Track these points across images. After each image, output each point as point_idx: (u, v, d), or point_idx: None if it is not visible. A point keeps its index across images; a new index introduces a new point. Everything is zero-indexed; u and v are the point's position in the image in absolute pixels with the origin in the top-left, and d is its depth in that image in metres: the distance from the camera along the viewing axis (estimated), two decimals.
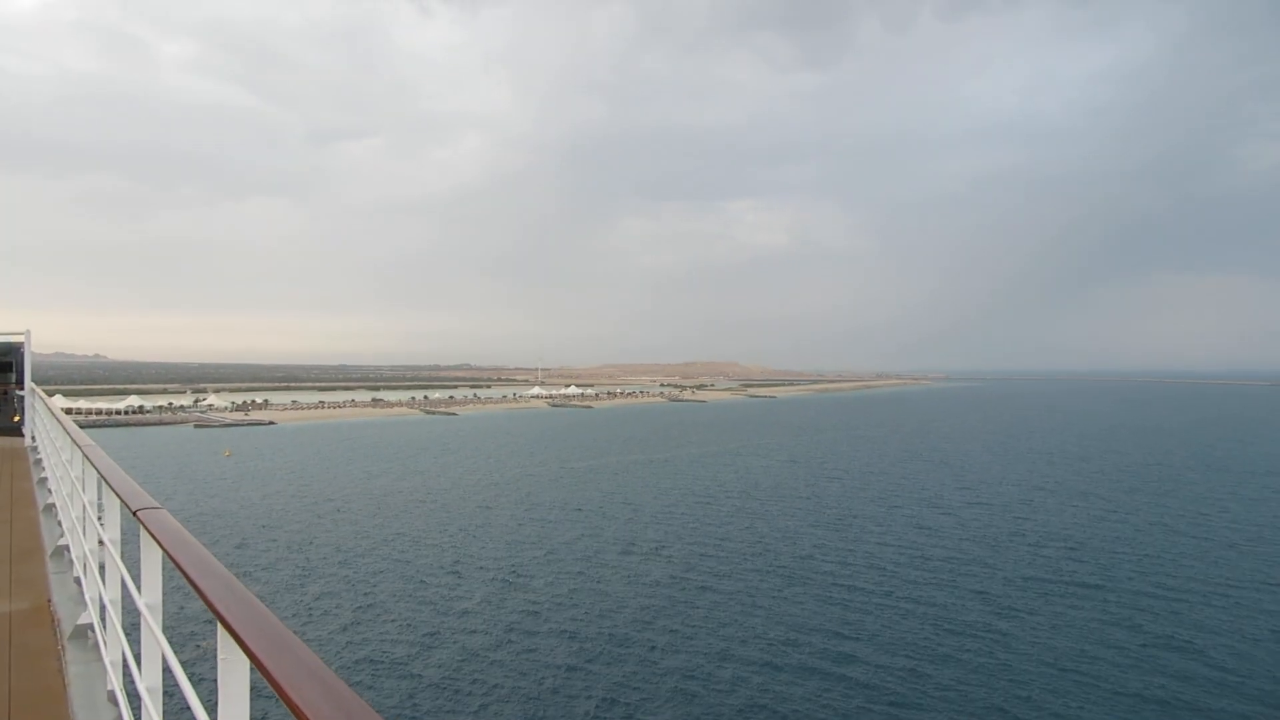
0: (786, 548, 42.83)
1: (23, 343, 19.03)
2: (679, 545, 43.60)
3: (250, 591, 2.57)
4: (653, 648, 28.09)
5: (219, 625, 2.37)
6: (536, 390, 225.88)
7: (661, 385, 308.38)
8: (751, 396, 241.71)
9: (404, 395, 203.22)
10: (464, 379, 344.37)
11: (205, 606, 2.60)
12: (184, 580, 2.81)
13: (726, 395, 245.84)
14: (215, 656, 2.47)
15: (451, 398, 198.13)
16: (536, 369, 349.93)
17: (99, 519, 5.75)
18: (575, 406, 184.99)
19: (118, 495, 4.71)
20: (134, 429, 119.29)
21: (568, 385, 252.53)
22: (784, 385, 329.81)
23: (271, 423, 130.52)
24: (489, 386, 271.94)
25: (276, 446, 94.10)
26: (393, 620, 30.93)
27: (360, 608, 32.46)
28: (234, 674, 2.37)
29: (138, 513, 3.74)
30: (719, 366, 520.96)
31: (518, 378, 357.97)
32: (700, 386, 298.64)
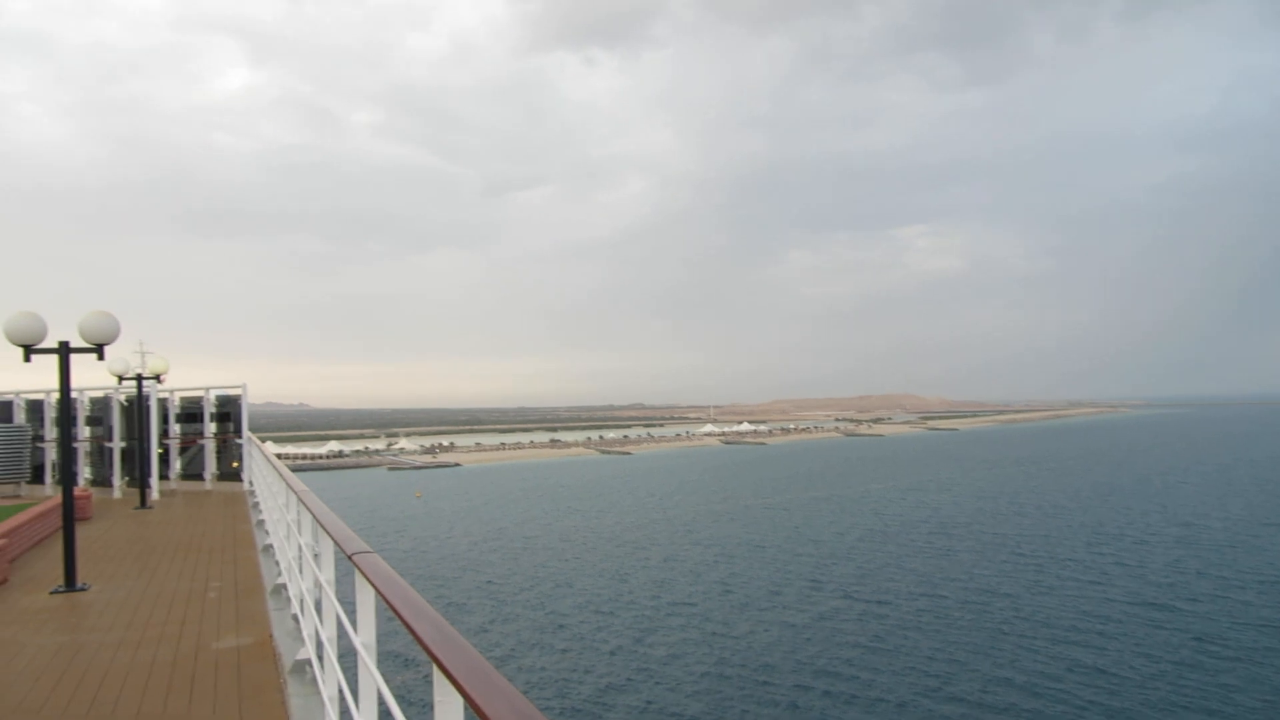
0: (980, 589, 40.74)
1: (240, 395, 20.71)
2: (864, 583, 42.30)
3: (458, 633, 2.65)
4: (841, 688, 27.26)
5: (434, 665, 2.45)
6: (709, 428, 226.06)
7: (836, 420, 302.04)
8: (932, 429, 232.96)
9: (580, 435, 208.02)
10: (637, 418, 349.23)
11: (419, 647, 2.71)
12: (395, 620, 2.94)
13: (905, 429, 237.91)
14: (419, 693, 2.55)
15: (626, 437, 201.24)
16: (709, 407, 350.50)
17: (315, 560, 6.12)
18: (748, 443, 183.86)
19: (333, 539, 5.01)
20: (334, 472, 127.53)
21: (740, 422, 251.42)
22: (966, 417, 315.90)
23: (457, 464, 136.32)
24: (662, 425, 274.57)
25: (462, 487, 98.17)
26: (582, 659, 31.42)
27: (548, 647, 33.17)
28: (448, 712, 2.44)
29: (352, 556, 3.95)
30: (895, 399, 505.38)
31: (690, 415, 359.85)
32: (877, 420, 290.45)
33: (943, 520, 63.18)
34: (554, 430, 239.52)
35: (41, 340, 9.95)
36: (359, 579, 3.84)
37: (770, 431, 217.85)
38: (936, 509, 69.65)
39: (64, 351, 10.08)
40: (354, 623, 4.12)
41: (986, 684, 27.60)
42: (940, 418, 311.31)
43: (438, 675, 2.41)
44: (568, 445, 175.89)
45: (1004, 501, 73.59)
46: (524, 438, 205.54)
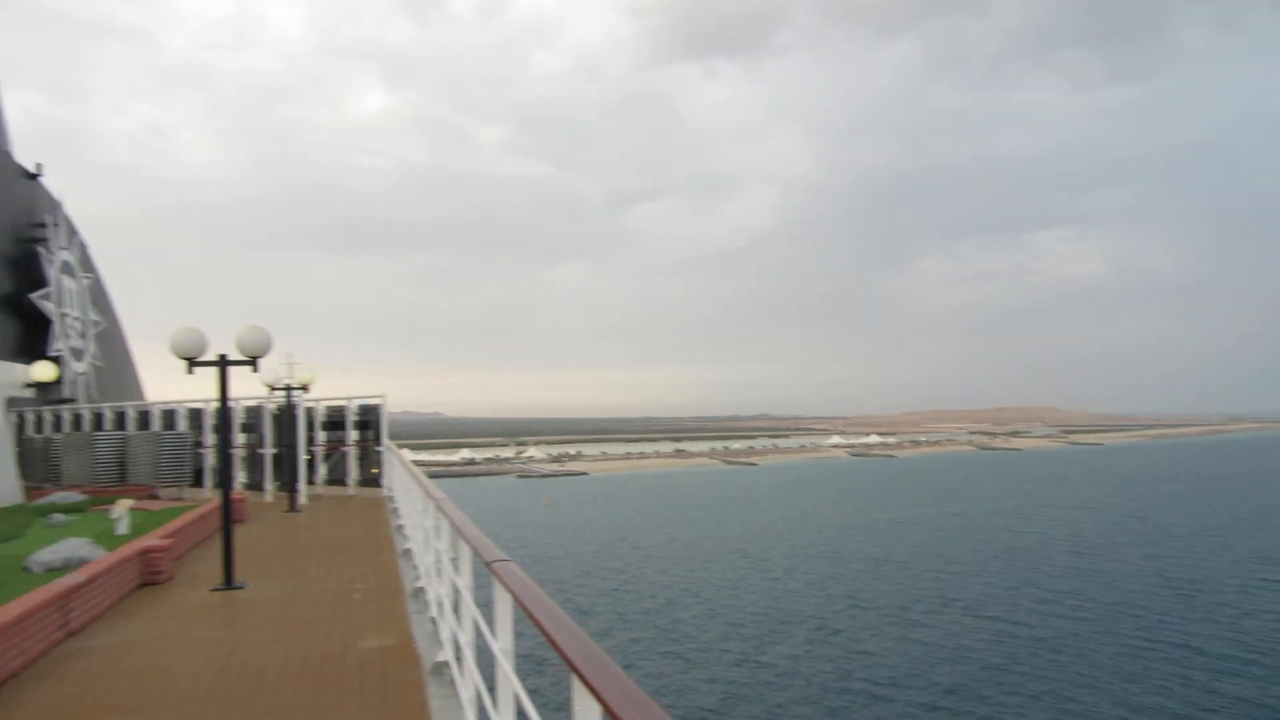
0: (1123, 615, 38.62)
1: (380, 404, 21.62)
2: (997, 603, 40.70)
3: (594, 642, 2.72)
4: (970, 709, 26.30)
5: (573, 676, 2.52)
6: (836, 439, 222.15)
7: (970, 433, 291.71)
8: (1074, 444, 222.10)
9: (704, 446, 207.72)
10: (762, 429, 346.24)
11: (556, 655, 2.79)
12: (531, 628, 3.03)
13: (1044, 443, 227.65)
14: (555, 699, 2.62)
15: (751, 447, 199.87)
16: (835, 418, 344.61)
17: (452, 566, 6.34)
18: (877, 456, 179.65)
19: (471, 546, 5.19)
20: (466, 479, 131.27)
21: (868, 434, 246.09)
22: (1112, 431, 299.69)
23: (584, 473, 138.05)
24: (787, 436, 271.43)
25: (588, 495, 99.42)
26: (702, 668, 31.36)
27: (669, 655, 33.25)
28: (586, 719, 2.50)
29: (491, 564, 4.09)
30: (1033, 412, 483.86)
31: (816, 427, 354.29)
32: (1014, 434, 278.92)
33: (1084, 540, 60.15)
34: (679, 440, 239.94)
35: (203, 353, 10.66)
36: (497, 586, 3.98)
37: (900, 444, 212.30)
38: (1077, 528, 66.39)
39: (222, 364, 10.77)
40: (492, 628, 4.26)
41: (1131, 713, 26.12)
42: (1083, 431, 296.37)
43: (577, 685, 2.48)
44: (692, 455, 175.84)
45: (1153, 522, 69.51)
46: (649, 447, 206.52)
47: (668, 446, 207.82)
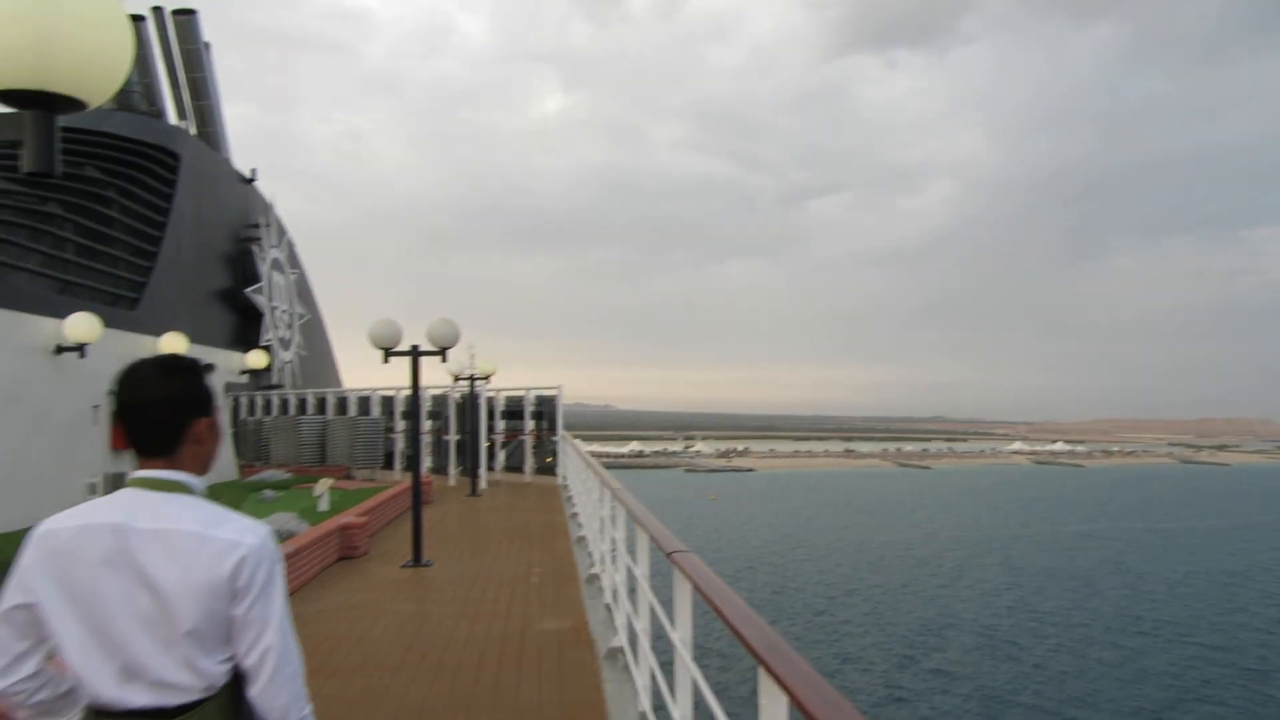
0: None
1: (556, 395, 22.32)
2: (1197, 627, 37.73)
3: (779, 635, 2.74)
4: None
5: (760, 669, 2.54)
6: (1017, 445, 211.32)
7: (1170, 445, 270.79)
8: None
9: (876, 446, 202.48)
10: (938, 431, 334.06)
11: (736, 648, 2.84)
12: (707, 619, 3.08)
13: (1258, 458, 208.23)
14: (732, 691, 2.65)
15: (925, 450, 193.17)
16: (1018, 423, 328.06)
17: (629, 555, 6.49)
18: (1063, 465, 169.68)
19: (649, 535, 5.30)
20: (634, 470, 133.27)
21: (1054, 441, 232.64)
22: None
23: (751, 469, 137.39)
24: (965, 440, 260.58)
25: (755, 492, 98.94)
26: (870, 671, 30.69)
27: (836, 653, 32.71)
28: (774, 710, 2.52)
29: (671, 555, 4.17)
30: (1245, 424, 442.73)
31: (996, 431, 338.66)
32: (1221, 447, 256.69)
33: None
34: (849, 440, 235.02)
35: (398, 344, 11.33)
36: (677, 576, 4.05)
37: (1089, 453, 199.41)
38: None
39: (415, 354, 11.41)
40: (669, 617, 4.35)
41: None
42: None
43: (764, 677, 2.50)
44: (863, 456, 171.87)
45: None
46: (818, 446, 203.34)
47: (837, 446, 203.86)
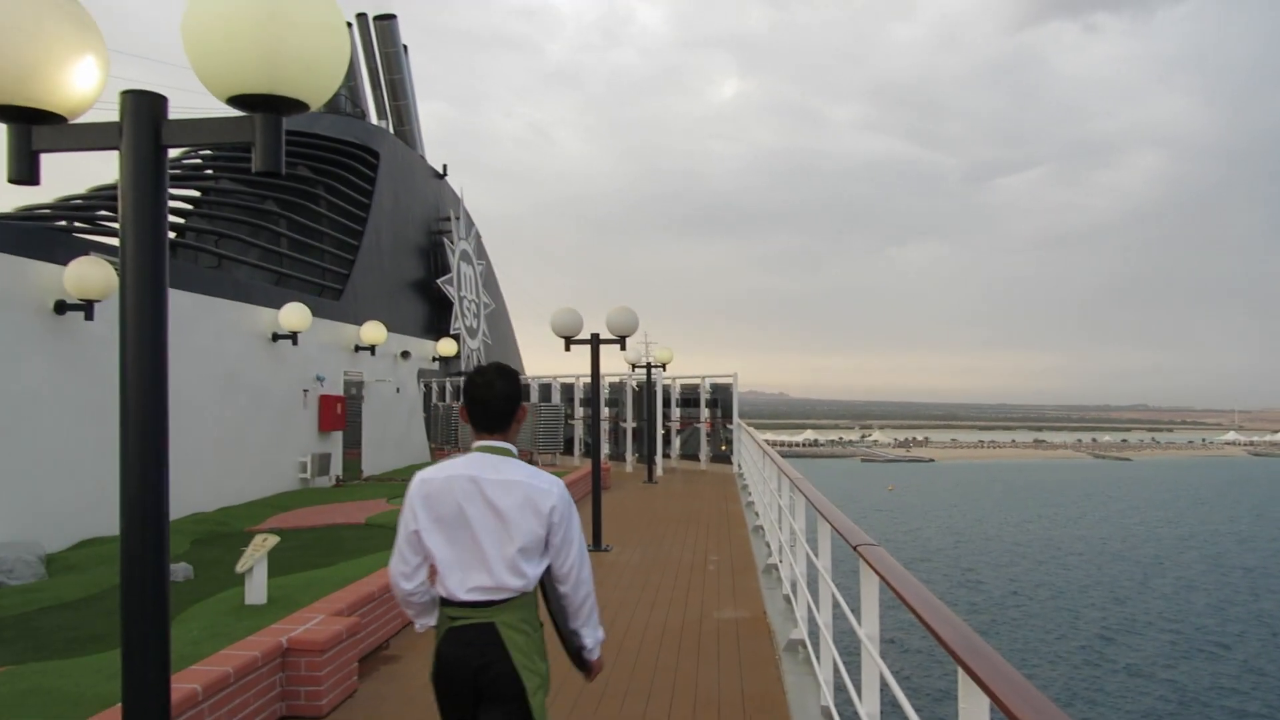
0: None
1: (731, 383, 22.28)
2: None
3: (977, 635, 2.61)
4: None
5: (959, 668, 2.44)
6: (1231, 435, 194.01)
7: None
8: None
9: (1069, 437, 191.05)
10: (1139, 421, 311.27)
11: (927, 644, 2.73)
12: (894, 614, 2.98)
13: None
14: (920, 688, 2.55)
15: (1124, 441, 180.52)
16: (1232, 411, 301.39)
17: (809, 545, 6.39)
18: None
19: (832, 527, 5.20)
20: (809, 459, 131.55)
21: (1275, 431, 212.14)
22: None
23: (931, 460, 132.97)
24: (1170, 430, 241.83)
25: (936, 483, 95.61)
26: (1060, 669, 29.06)
27: (1021, 650, 31.16)
28: (974, 712, 2.42)
29: (857, 548, 4.07)
30: None
31: (1206, 421, 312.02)
32: None
33: None
34: (1038, 430, 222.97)
35: (578, 333, 11.61)
36: (864, 570, 3.95)
37: None
38: None
39: (595, 342, 11.65)
40: (855, 612, 4.24)
41: None
42: None
43: (964, 678, 2.40)
44: (1054, 447, 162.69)
45: None
46: (1004, 436, 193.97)
47: (1025, 436, 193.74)
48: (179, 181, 26.59)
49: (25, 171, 2.37)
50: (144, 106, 2.35)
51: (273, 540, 6.91)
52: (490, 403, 3.01)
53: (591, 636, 3.09)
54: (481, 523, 2.83)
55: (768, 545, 10.30)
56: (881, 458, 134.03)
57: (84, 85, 2.42)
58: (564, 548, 2.92)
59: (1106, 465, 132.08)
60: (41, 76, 2.31)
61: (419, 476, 2.97)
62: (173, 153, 30.64)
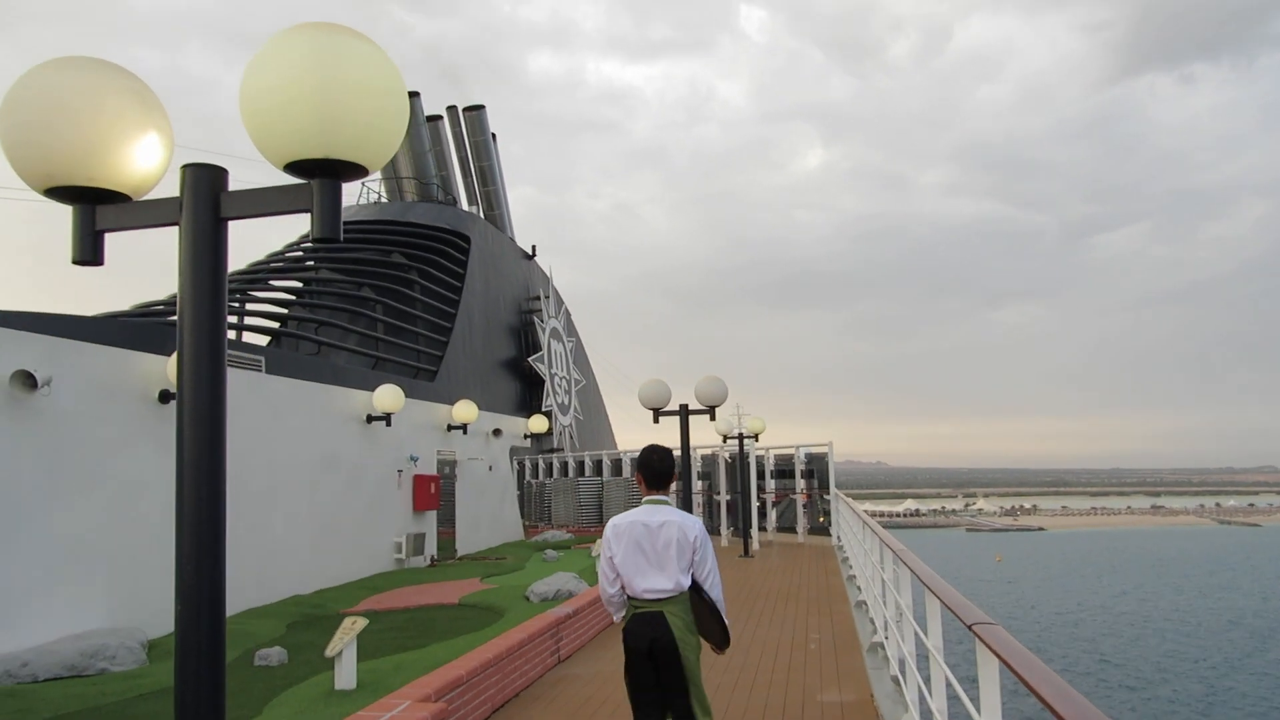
0: None
1: (827, 453, 21.72)
2: None
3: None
4: None
5: None
6: None
7: None
8: None
9: (1190, 502, 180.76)
10: (1267, 483, 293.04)
11: None
12: (1015, 699, 2.65)
13: None
14: None
15: (1252, 505, 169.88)
16: None
17: (917, 623, 5.99)
18: None
19: (942, 603, 4.82)
20: (911, 530, 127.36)
21: None
22: None
23: (1041, 529, 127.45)
24: None
25: (1046, 553, 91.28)
26: None
27: None
28: None
29: (972, 626, 3.73)
30: None
31: None
32: None
33: None
34: (1156, 495, 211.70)
35: (667, 404, 11.44)
36: (981, 651, 3.60)
37: None
38: None
39: (684, 414, 11.47)
40: (973, 697, 3.88)
41: None
42: None
43: None
44: (1174, 513, 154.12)
45: None
46: (1119, 502, 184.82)
47: (1142, 502, 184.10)
48: (281, 273, 27.81)
49: (89, 252, 2.35)
50: (204, 180, 2.31)
51: (361, 623, 6.83)
52: (657, 470, 4.66)
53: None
54: (651, 549, 4.41)
55: (872, 622, 9.78)
56: (987, 527, 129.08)
57: (148, 163, 2.40)
58: (702, 563, 4.47)
59: (1233, 531, 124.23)
60: (104, 156, 2.30)
61: (611, 522, 4.59)
62: (275, 245, 31.99)
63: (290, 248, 29.94)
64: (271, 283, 27.03)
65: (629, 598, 4.47)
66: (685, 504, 12.18)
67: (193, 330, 2.27)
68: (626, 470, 24.61)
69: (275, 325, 26.38)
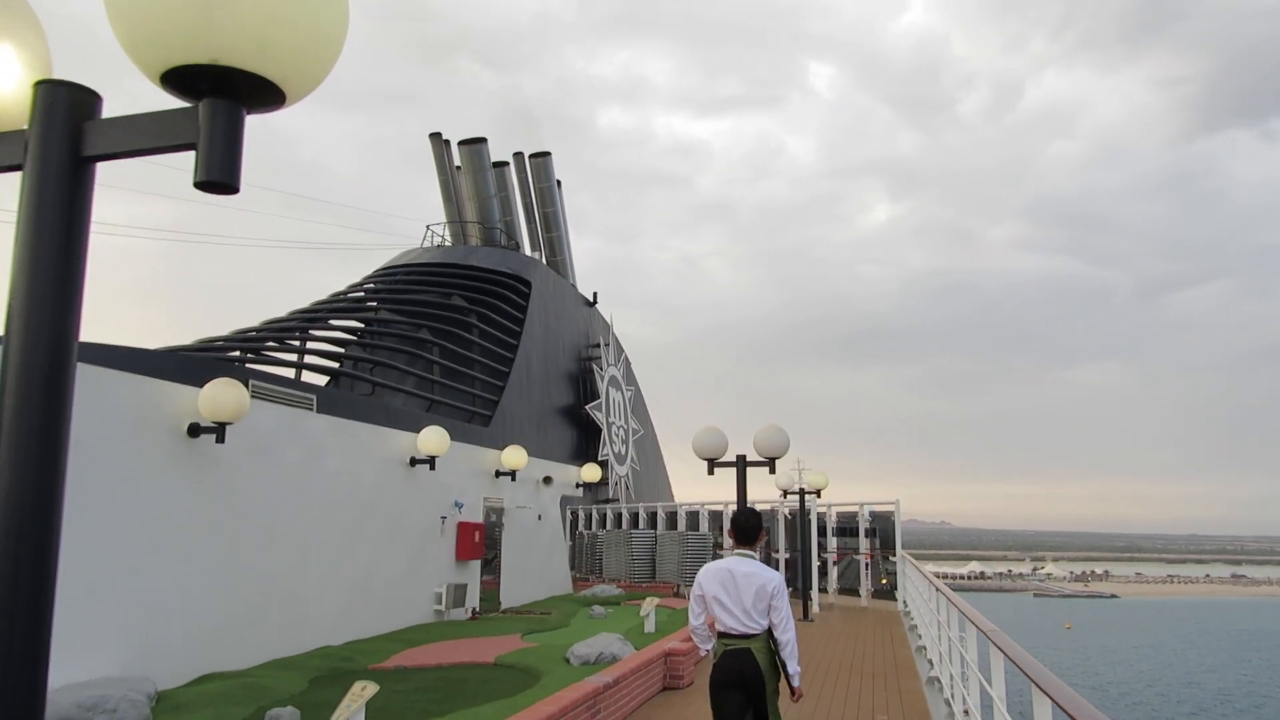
0: None
1: (893, 511, 20.57)
2: None
3: None
4: None
5: None
6: None
7: None
8: None
9: (1274, 572, 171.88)
10: None
11: None
12: None
13: None
14: None
15: None
16: None
17: (1005, 706, 5.10)
18: None
19: (1043, 690, 3.97)
20: (975, 593, 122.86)
21: None
22: None
23: (1113, 595, 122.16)
24: None
25: (1119, 622, 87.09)
26: None
27: None
28: None
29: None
30: None
31: None
32: None
33: None
34: (1237, 563, 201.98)
35: (723, 454, 10.64)
36: None
37: None
38: None
39: (741, 465, 10.64)
40: None
41: None
42: None
43: None
44: (1257, 583, 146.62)
45: None
46: (1197, 570, 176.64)
47: (1221, 570, 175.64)
48: (342, 313, 27.71)
49: (229, 168, 1.58)
50: (61, 104, 1.61)
51: (371, 689, 6.13)
52: (744, 528, 5.60)
53: (793, 667, 5.25)
54: (735, 592, 5.22)
55: (948, 704, 8.78)
56: (1056, 592, 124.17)
57: (312, 42, 1.64)
58: (777, 610, 5.21)
59: None
60: (251, 27, 1.55)
61: (705, 567, 5.50)
62: (336, 286, 32.11)
63: (353, 288, 29.95)
64: (331, 322, 26.92)
65: (719, 634, 5.38)
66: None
67: (29, 312, 1.56)
68: (682, 524, 23.67)
69: (335, 365, 26.24)
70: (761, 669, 5.13)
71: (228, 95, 1.54)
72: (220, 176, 1.50)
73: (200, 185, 1.51)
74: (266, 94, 1.58)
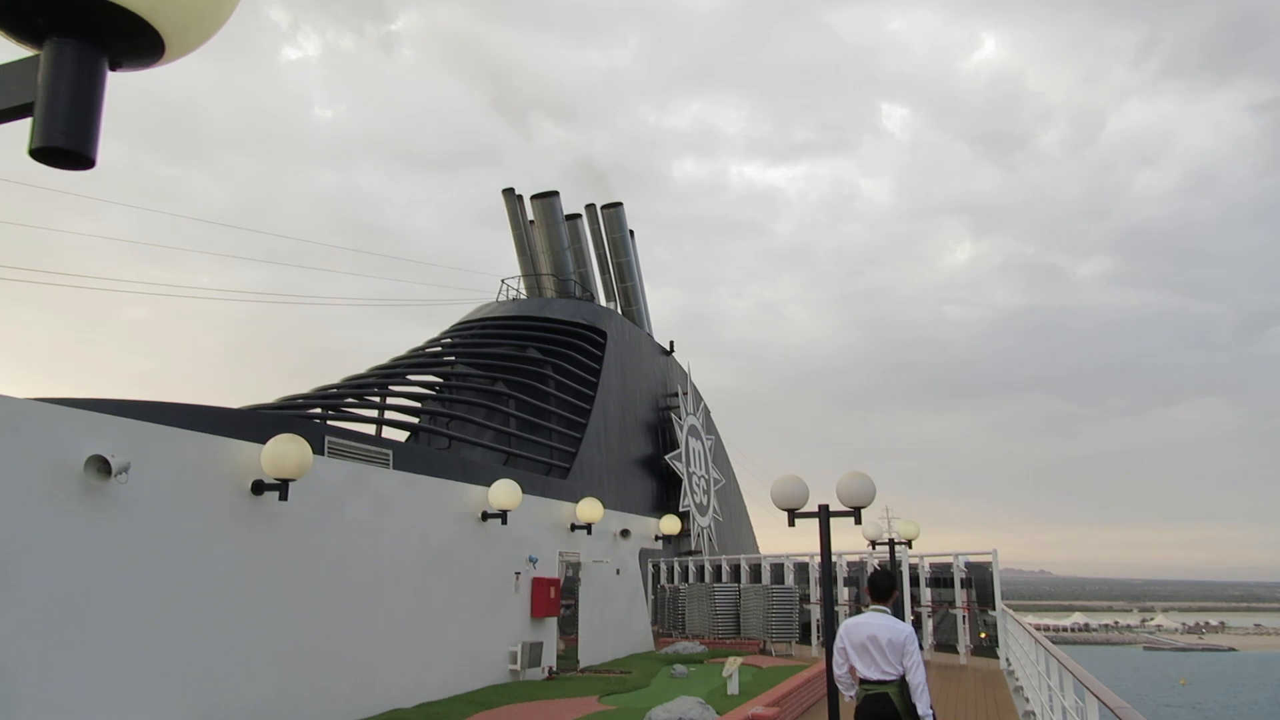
0: None
1: (991, 561, 19.45)
2: None
3: None
4: None
5: None
6: None
7: None
8: None
9: None
10: None
11: None
12: None
13: None
14: None
15: None
16: None
17: None
18: None
19: None
20: (1080, 646, 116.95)
21: None
22: None
23: (1231, 649, 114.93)
24: None
25: (1238, 676, 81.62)
26: None
27: None
28: None
29: None
30: None
31: None
32: None
33: None
34: None
35: (804, 504, 10.00)
36: None
37: None
38: None
39: (824, 515, 9.99)
40: None
41: None
42: None
43: None
44: None
45: None
46: None
47: None
48: (420, 368, 27.88)
49: (84, 133, 1.23)
50: None
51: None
52: (878, 587, 6.40)
53: (922, 709, 5.85)
54: (873, 644, 6.05)
55: None
56: (1168, 645, 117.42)
57: None
58: (909, 656, 5.98)
59: None
60: None
61: (845, 623, 6.33)
62: (414, 341, 32.34)
63: (431, 343, 30.18)
64: (409, 377, 27.08)
65: (859, 680, 6.10)
66: (828, 617, 10.56)
67: None
68: (766, 577, 22.83)
69: (413, 420, 26.30)
70: (899, 710, 5.86)
71: (79, 34, 1.14)
72: (65, 142, 1.08)
73: (36, 154, 1.09)
74: (139, 40, 1.17)
